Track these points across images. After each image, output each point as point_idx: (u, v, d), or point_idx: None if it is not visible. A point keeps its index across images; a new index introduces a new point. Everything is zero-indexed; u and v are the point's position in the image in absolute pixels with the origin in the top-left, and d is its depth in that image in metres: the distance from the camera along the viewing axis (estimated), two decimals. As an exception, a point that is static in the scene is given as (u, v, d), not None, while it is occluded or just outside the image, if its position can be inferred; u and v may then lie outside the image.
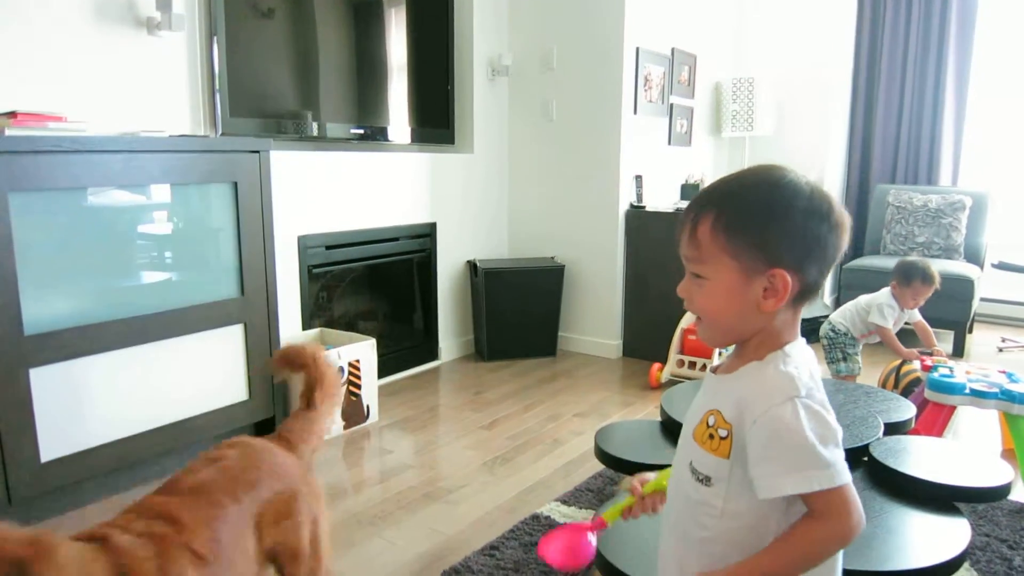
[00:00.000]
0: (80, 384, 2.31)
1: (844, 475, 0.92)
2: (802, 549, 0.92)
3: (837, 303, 5.13)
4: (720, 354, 3.59)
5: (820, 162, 4.99)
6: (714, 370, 1.06)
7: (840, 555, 1.01)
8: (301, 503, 1.44)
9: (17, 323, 2.13)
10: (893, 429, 2.15)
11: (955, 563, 1.51)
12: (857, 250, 5.25)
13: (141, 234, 2.49)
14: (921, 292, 3.23)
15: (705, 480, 0.97)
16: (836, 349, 3.37)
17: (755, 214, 0.94)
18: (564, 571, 1.05)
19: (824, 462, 0.91)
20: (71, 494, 2.38)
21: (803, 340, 1.02)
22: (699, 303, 0.99)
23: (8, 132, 2.11)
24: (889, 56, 5.09)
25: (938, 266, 3.62)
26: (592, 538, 1.05)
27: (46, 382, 2.21)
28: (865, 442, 1.96)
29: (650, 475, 1.15)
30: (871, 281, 4.42)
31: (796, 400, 0.92)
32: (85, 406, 2.32)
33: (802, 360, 0.98)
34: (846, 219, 0.98)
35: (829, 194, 0.98)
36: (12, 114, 2.16)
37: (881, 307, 3.26)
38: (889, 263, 4.46)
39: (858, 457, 1.95)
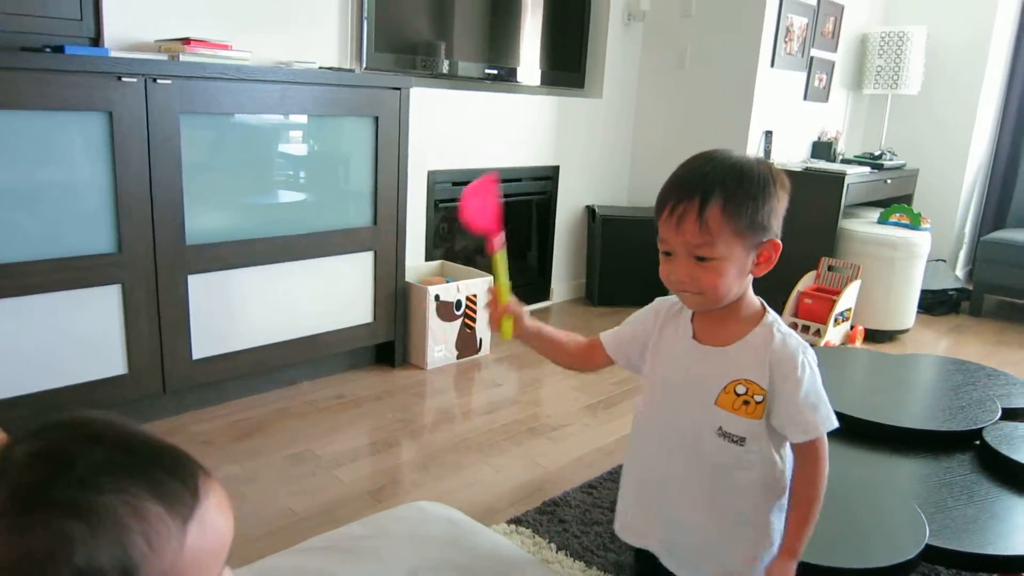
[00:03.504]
0: (229, 294, 2.55)
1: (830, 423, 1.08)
2: (818, 489, 1.08)
3: (970, 276, 4.88)
4: (835, 321, 3.53)
5: (967, 125, 4.69)
6: (696, 338, 1.16)
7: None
8: None
9: (180, 233, 2.36)
10: (1012, 415, 2.09)
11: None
12: (999, 222, 4.94)
13: (288, 161, 2.68)
14: None
15: (739, 441, 1.10)
16: None
17: (754, 196, 1.06)
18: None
19: (828, 408, 1.07)
20: (215, 390, 2.65)
21: None
22: (706, 281, 1.07)
23: (183, 58, 2.31)
24: (1063, 16, 4.66)
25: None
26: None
27: (201, 288, 2.46)
28: (979, 426, 1.93)
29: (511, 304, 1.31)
30: (1011, 256, 4.20)
31: (807, 353, 1.09)
32: (232, 313, 2.57)
33: None
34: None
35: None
36: (186, 40, 2.35)
37: None
38: (1033, 242, 4.21)
39: (969, 440, 1.92)
